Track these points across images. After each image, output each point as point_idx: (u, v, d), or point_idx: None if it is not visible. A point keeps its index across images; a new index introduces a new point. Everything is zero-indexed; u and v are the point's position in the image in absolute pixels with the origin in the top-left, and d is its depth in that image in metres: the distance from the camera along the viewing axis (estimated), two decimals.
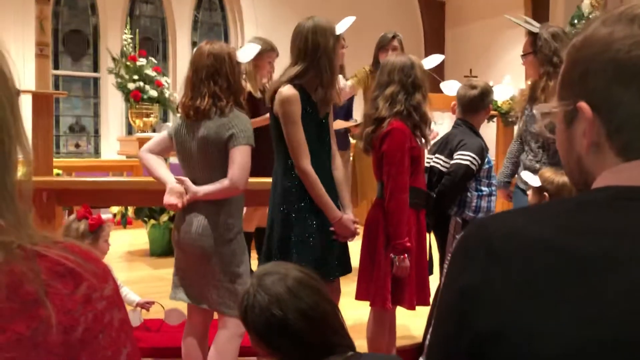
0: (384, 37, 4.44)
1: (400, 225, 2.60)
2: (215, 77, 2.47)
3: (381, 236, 2.64)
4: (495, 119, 6.26)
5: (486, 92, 3.08)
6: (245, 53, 3.13)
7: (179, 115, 2.60)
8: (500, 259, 0.65)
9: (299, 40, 2.56)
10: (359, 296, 2.76)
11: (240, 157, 2.43)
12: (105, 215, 7.00)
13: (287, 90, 2.50)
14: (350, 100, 4.62)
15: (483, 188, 3.01)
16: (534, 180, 2.52)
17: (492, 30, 8.67)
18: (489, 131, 6.83)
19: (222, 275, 2.49)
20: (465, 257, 0.69)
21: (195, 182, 2.49)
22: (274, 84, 2.56)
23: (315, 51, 2.52)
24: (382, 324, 2.77)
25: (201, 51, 2.51)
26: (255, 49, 3.28)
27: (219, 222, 2.48)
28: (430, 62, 3.45)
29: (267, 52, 3.97)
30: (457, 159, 2.95)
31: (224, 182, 2.44)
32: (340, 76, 4.07)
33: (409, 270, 2.63)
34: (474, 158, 2.93)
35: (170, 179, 2.50)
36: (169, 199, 2.46)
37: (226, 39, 9.10)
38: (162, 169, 2.57)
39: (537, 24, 3.13)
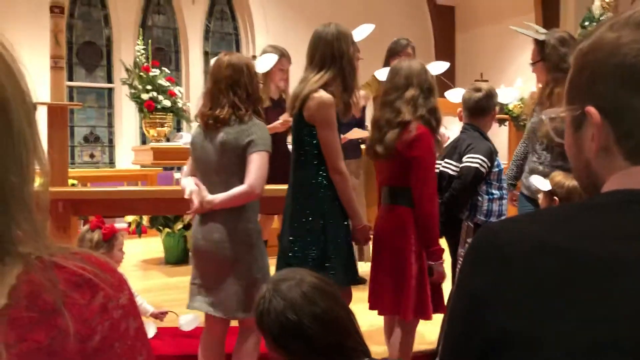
0: (397, 43, 4.38)
1: (436, 230, 2.61)
2: (234, 88, 2.51)
3: (410, 244, 2.60)
4: (507, 123, 6.23)
5: (490, 95, 3.07)
6: (263, 63, 3.14)
7: (197, 123, 2.65)
8: (510, 264, 0.65)
9: (322, 46, 2.58)
10: (386, 310, 2.70)
11: (258, 162, 2.46)
12: (120, 224, 7.08)
13: (325, 95, 2.53)
14: (363, 110, 4.61)
15: (494, 191, 3.00)
16: (543, 184, 2.51)
17: (503, 33, 8.61)
18: (501, 135, 6.83)
19: (243, 282, 2.50)
20: (476, 262, 0.69)
21: (211, 187, 2.51)
22: (302, 91, 2.57)
23: (341, 58, 2.57)
24: (411, 334, 2.75)
25: (220, 63, 2.56)
26: (273, 59, 3.31)
27: (239, 228, 2.51)
28: (435, 68, 3.44)
29: (278, 59, 3.96)
30: (466, 162, 2.94)
31: (241, 188, 2.46)
32: (362, 92, 4.06)
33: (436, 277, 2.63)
34: (483, 161, 2.93)
35: (189, 184, 2.54)
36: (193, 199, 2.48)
37: (237, 48, 9.15)
38: (185, 182, 2.61)
39: (544, 30, 3.12)
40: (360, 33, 3.36)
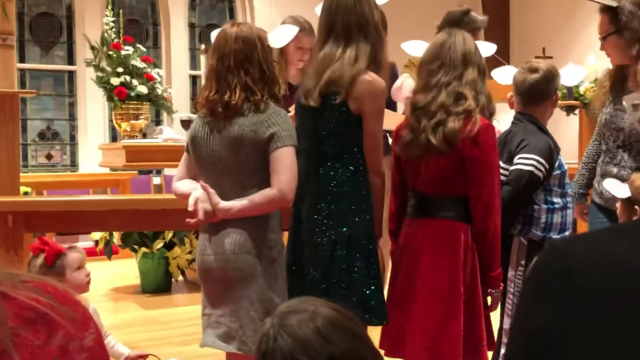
0: (473, 18, 4.20)
1: (499, 251, 2.67)
2: (245, 65, 2.55)
3: (460, 268, 2.61)
4: (577, 111, 6.20)
5: (551, 76, 3.06)
6: (279, 36, 3.15)
7: (197, 114, 2.70)
8: (582, 295, 0.65)
9: (343, 13, 2.63)
10: (417, 356, 2.65)
11: (286, 160, 2.51)
12: (86, 243, 7.15)
13: (378, 79, 2.60)
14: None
15: (555, 199, 3.00)
16: (621, 190, 2.50)
17: None
18: (569, 127, 6.80)
19: (258, 305, 2.53)
20: (539, 293, 0.69)
21: (222, 193, 2.54)
22: (339, 72, 2.61)
23: (367, 27, 2.64)
24: None
25: (226, 35, 2.59)
26: (292, 31, 3.31)
27: (258, 238, 2.56)
28: (481, 49, 3.45)
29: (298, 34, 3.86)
30: (517, 163, 2.94)
31: (268, 193, 2.50)
32: (406, 76, 4.02)
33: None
34: (539, 162, 2.92)
35: (194, 186, 2.57)
36: (201, 206, 2.48)
37: (232, 20, 9.14)
38: (185, 184, 2.65)
39: None
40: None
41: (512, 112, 3.18)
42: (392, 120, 4.05)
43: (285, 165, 2.51)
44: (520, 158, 2.94)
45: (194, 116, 5.09)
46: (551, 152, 2.97)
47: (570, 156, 5.28)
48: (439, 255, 2.63)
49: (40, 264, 2.96)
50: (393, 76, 4.12)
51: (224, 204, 2.51)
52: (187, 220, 2.50)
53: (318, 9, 2.79)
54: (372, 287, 2.58)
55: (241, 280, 2.54)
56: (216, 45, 2.61)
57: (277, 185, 2.49)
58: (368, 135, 2.61)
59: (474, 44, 2.73)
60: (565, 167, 3.07)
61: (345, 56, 2.60)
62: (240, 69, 2.55)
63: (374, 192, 2.66)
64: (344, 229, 2.59)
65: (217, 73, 2.58)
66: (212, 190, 2.53)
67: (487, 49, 3.48)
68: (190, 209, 2.50)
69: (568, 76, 4.50)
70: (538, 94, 3.06)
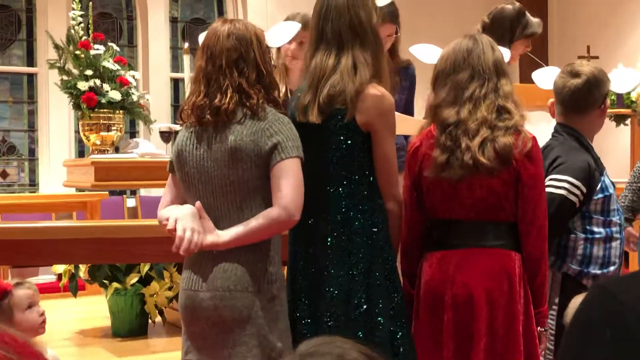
0: (530, 21, 4.21)
1: (547, 283, 2.78)
2: (240, 65, 2.58)
3: (518, 306, 2.68)
4: (628, 121, 6.20)
5: (595, 81, 3.08)
6: (278, 34, 3.20)
7: (182, 124, 2.71)
8: (636, 342, 0.65)
9: (334, 16, 2.70)
10: None
11: (291, 173, 2.52)
12: (46, 276, 7.09)
13: (386, 92, 2.70)
14: (411, 92, 4.48)
15: (595, 229, 3.02)
16: None
17: None
18: (621, 139, 6.78)
19: (257, 350, 2.53)
20: (586, 337, 0.69)
21: (216, 216, 2.56)
22: (340, 86, 2.67)
23: (364, 31, 2.71)
24: None
25: (217, 32, 2.63)
26: (294, 28, 3.35)
27: (257, 272, 2.57)
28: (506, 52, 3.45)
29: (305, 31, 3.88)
30: (548, 185, 2.95)
31: (271, 213, 2.51)
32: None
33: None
34: (572, 184, 2.96)
35: (179, 213, 2.56)
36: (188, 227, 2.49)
37: (220, 14, 9.14)
38: (169, 209, 2.65)
39: None
40: None
41: (554, 121, 3.21)
42: (407, 125, 4.04)
43: (289, 179, 2.51)
44: (551, 179, 2.98)
45: (176, 127, 5.10)
46: (590, 173, 2.99)
47: (620, 173, 5.27)
48: (496, 292, 2.68)
49: None
50: (407, 76, 4.18)
51: (216, 234, 2.51)
52: (175, 247, 2.49)
53: None
54: (400, 332, 2.64)
55: (237, 321, 2.53)
56: (205, 43, 2.64)
57: (281, 202, 2.50)
58: (381, 157, 2.69)
59: (500, 51, 2.81)
60: (611, 190, 3.08)
61: (342, 66, 2.67)
62: (233, 69, 2.57)
63: (392, 221, 2.74)
64: (360, 268, 2.65)
65: (207, 75, 2.60)
66: (204, 215, 2.54)
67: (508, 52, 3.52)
68: (178, 235, 2.48)
69: (618, 81, 4.52)
70: (581, 103, 3.08)
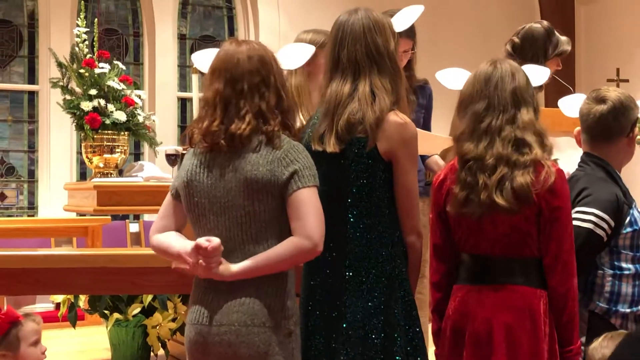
0: (560, 39, 4.31)
1: (577, 320, 2.74)
2: (261, 90, 2.60)
3: (543, 345, 2.68)
4: None
5: (622, 107, 3.09)
6: (293, 56, 3.28)
7: (191, 150, 2.70)
8: None
9: (351, 43, 2.75)
10: None
11: (311, 202, 2.53)
12: (44, 304, 6.97)
13: (410, 122, 2.75)
14: (428, 111, 4.54)
15: (624, 265, 3.05)
16: None
17: None
18: None
19: None
20: None
21: (227, 248, 2.54)
22: (361, 114, 2.71)
23: (381, 57, 2.76)
24: None
25: (235, 52, 2.64)
26: (309, 51, 3.40)
27: (274, 305, 2.58)
28: (536, 76, 3.38)
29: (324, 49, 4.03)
30: (574, 219, 2.92)
31: (295, 242, 2.52)
32: None
33: None
34: (600, 217, 2.97)
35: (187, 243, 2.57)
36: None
37: (231, 31, 9.25)
38: (176, 240, 2.65)
39: None
40: (404, 20, 3.52)
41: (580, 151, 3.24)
42: (431, 144, 4.06)
43: (309, 208, 2.53)
44: (578, 212, 2.99)
45: (182, 149, 4.97)
46: (618, 206, 3.01)
47: None
48: (517, 330, 2.68)
49: None
50: (424, 94, 4.33)
51: (229, 267, 2.51)
52: (175, 267, 2.56)
53: None
54: None
55: (253, 358, 2.54)
56: (222, 66, 2.65)
57: (303, 232, 2.51)
58: (402, 187, 2.74)
59: (524, 75, 2.81)
60: None
61: (359, 93, 2.72)
62: (255, 93, 2.59)
63: (412, 254, 2.81)
64: (377, 303, 2.67)
65: (226, 98, 2.60)
66: (216, 241, 2.50)
67: (537, 75, 3.50)
68: (189, 259, 2.49)
69: None
70: (607, 130, 3.10)
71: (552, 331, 2.73)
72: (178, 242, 2.61)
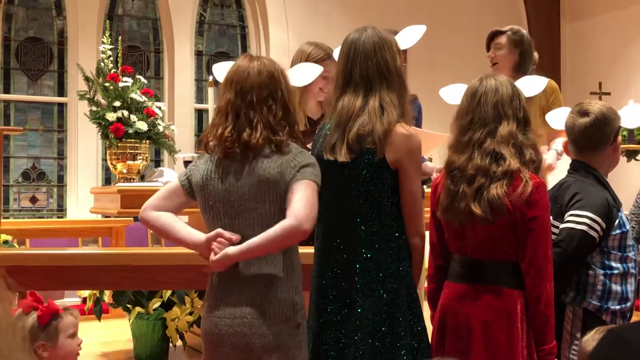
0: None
1: (553, 322, 2.74)
2: (269, 102, 2.63)
3: (518, 343, 2.71)
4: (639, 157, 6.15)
5: (604, 119, 3.08)
6: (301, 74, 3.27)
7: (206, 155, 2.71)
8: None
9: (362, 60, 2.77)
10: None
11: (305, 192, 2.54)
12: (72, 299, 7.04)
13: (415, 134, 2.78)
14: (418, 123, 4.37)
15: (613, 264, 3.02)
16: None
17: (631, 23, 8.58)
18: (631, 175, 6.70)
19: None
20: None
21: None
22: (370, 125, 2.74)
23: (389, 73, 2.79)
24: None
25: (247, 67, 2.67)
26: (316, 70, 3.41)
27: (282, 300, 2.60)
28: (528, 87, 3.44)
29: (323, 62, 3.91)
30: (569, 221, 2.98)
31: (282, 223, 2.51)
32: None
33: None
34: (593, 220, 2.96)
35: (199, 234, 2.61)
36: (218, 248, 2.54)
37: (244, 47, 9.20)
38: (182, 225, 2.67)
39: None
40: (408, 38, 3.52)
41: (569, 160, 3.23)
42: (431, 141, 3.95)
43: (301, 195, 2.54)
44: (571, 215, 2.98)
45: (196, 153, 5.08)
46: (609, 209, 2.99)
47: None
48: (494, 327, 2.74)
49: (32, 324, 2.97)
50: (415, 110, 4.10)
51: (225, 251, 2.54)
52: (207, 268, 2.57)
53: (336, 53, 2.88)
54: None
55: (265, 349, 2.56)
56: (234, 78, 2.67)
57: (291, 213, 2.51)
58: (407, 193, 2.76)
59: (509, 90, 2.78)
60: (628, 227, 3.07)
61: (369, 107, 2.73)
62: (263, 106, 2.62)
63: (415, 255, 2.84)
64: (385, 301, 2.72)
65: (236, 108, 2.63)
66: (226, 233, 2.56)
67: (533, 86, 3.57)
68: (205, 244, 2.55)
69: (628, 117, 4.49)
70: (591, 140, 3.09)
71: (529, 331, 2.75)
72: (185, 232, 2.64)
